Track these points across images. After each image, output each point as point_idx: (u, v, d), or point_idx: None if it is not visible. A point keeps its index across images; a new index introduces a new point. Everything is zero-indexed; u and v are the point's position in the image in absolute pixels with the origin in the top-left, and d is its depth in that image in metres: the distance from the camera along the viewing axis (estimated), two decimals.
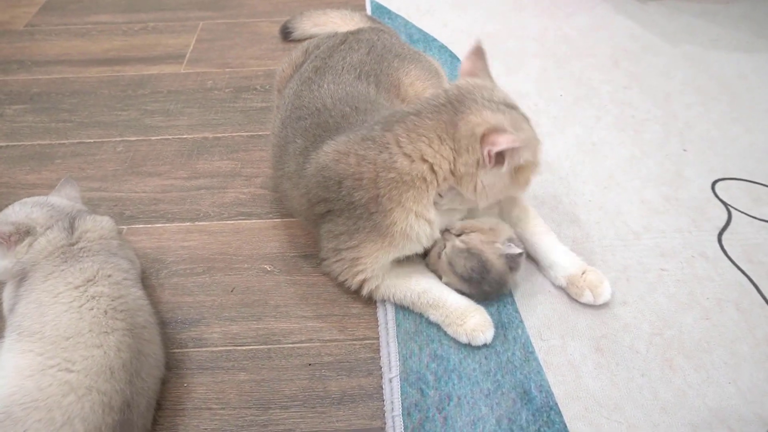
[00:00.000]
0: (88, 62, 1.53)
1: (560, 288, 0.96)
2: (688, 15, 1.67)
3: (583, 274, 0.94)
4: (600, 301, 0.93)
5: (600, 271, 0.94)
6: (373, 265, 0.91)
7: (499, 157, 0.82)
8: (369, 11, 1.71)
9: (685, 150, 1.24)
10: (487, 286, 0.92)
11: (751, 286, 0.96)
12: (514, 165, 0.84)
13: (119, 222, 1.10)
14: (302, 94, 1.05)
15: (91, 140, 1.29)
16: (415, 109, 0.87)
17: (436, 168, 0.85)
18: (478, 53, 0.94)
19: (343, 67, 1.08)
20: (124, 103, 1.39)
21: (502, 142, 0.80)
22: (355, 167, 0.86)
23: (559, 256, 0.96)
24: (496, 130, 0.81)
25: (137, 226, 1.10)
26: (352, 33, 1.21)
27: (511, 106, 0.88)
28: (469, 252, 0.90)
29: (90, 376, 0.75)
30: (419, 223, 0.88)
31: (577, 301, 0.94)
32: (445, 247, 0.92)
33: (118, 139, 1.30)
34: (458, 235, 0.92)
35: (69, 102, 1.40)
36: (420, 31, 1.61)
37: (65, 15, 1.73)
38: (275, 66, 1.48)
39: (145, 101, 1.40)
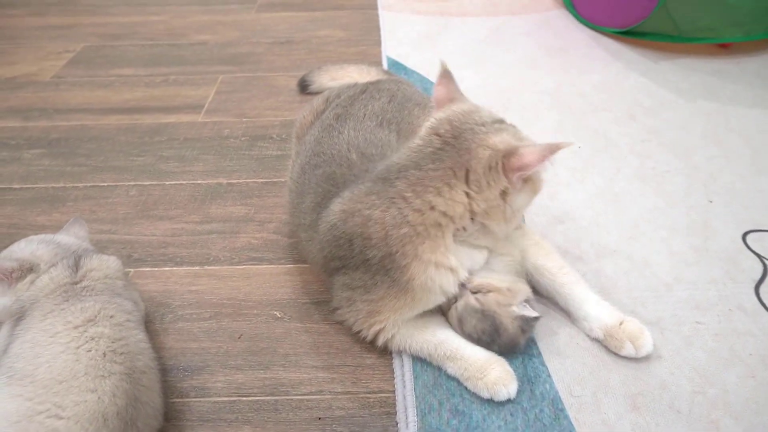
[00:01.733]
0: (108, 111, 1.56)
1: (596, 340, 0.90)
2: (701, 73, 1.68)
3: (620, 324, 0.88)
4: (642, 353, 0.86)
5: (638, 321, 0.88)
6: (391, 319, 0.86)
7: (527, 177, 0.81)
8: (385, 67, 1.74)
9: (710, 201, 1.20)
10: (496, 348, 0.86)
11: None
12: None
13: (126, 265, 1.06)
14: (322, 140, 1.04)
15: (105, 184, 1.28)
16: (413, 161, 0.82)
17: (449, 214, 0.81)
18: (448, 76, 0.90)
19: (365, 114, 1.07)
20: (140, 150, 1.40)
21: (530, 163, 0.77)
22: (362, 227, 0.83)
23: (593, 307, 0.91)
24: (513, 153, 0.78)
25: (144, 269, 1.07)
26: (372, 83, 1.21)
27: (501, 121, 0.85)
28: (483, 314, 0.84)
29: (81, 423, 0.69)
30: (440, 273, 0.83)
31: (617, 354, 0.87)
32: (456, 302, 0.87)
33: (132, 183, 1.28)
34: (474, 292, 0.86)
35: (86, 147, 1.41)
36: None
37: (91, 68, 1.78)
38: (292, 116, 1.50)
39: (161, 148, 1.40)
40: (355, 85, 1.22)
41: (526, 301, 0.86)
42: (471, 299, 0.86)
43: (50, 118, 1.53)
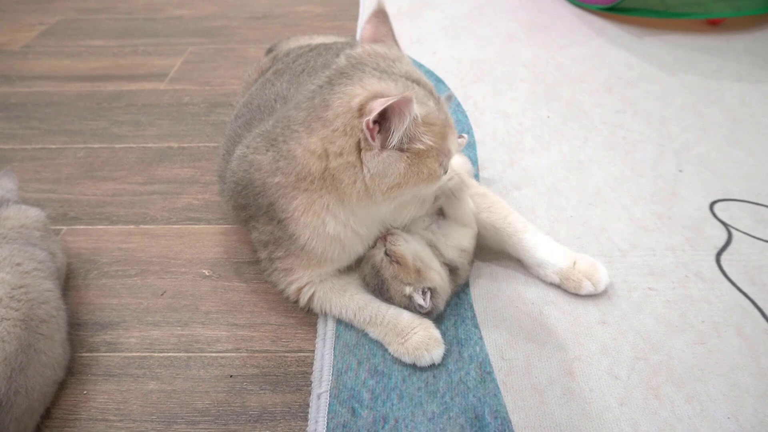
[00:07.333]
0: (71, 78, 1.53)
1: (553, 285, 0.86)
2: (686, 48, 1.61)
3: (574, 264, 0.84)
4: (601, 288, 0.83)
5: (589, 256, 0.85)
6: (306, 275, 0.81)
7: (385, 132, 0.63)
8: (358, 39, 1.69)
9: (680, 170, 1.13)
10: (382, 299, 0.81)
11: (755, 310, 0.82)
12: (401, 135, 0.64)
13: (61, 222, 1.03)
14: (255, 93, 1.00)
15: (54, 146, 1.25)
16: (298, 99, 0.72)
17: (309, 169, 0.68)
18: (381, 16, 0.76)
19: (303, 69, 1.02)
20: (96, 114, 1.36)
21: (377, 106, 0.61)
22: (248, 173, 0.76)
23: (545, 251, 0.86)
24: (377, 96, 0.63)
25: (78, 227, 1.03)
26: (324, 43, 1.17)
27: (415, 80, 0.69)
28: (377, 273, 0.79)
29: None
30: (318, 237, 0.74)
31: (577, 294, 0.84)
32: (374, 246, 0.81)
33: (81, 146, 1.25)
34: (387, 253, 0.79)
35: (43, 112, 1.38)
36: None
37: (62, 39, 1.75)
38: None
39: (117, 113, 1.37)
40: (308, 45, 1.17)
41: (429, 289, 0.77)
42: (377, 256, 0.79)
43: (12, 84, 1.50)
